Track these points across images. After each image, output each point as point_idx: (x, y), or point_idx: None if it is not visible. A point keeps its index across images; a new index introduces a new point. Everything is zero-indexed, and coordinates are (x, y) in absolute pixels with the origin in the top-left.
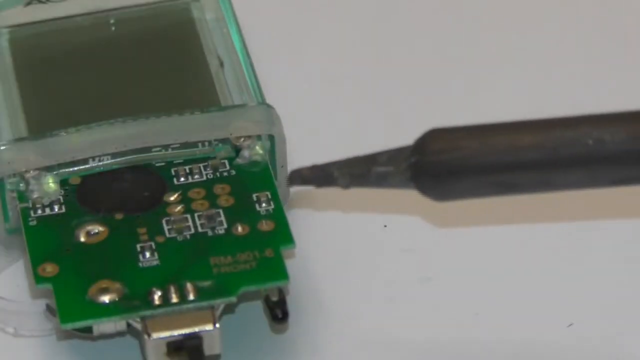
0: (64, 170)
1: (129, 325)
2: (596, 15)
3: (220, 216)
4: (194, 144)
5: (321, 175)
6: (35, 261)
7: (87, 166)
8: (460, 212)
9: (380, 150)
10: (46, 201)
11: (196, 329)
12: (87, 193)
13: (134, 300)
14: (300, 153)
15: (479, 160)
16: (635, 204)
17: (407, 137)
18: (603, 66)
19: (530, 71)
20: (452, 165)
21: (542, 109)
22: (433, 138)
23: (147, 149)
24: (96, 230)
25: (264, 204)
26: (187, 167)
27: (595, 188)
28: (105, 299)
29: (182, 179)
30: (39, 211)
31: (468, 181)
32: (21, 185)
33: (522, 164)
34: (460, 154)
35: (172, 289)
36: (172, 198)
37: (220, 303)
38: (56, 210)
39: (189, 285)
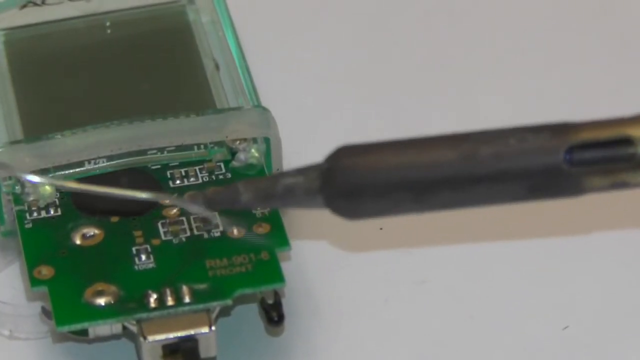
0: (59, 173)
1: (124, 327)
2: (594, 17)
3: (216, 219)
4: (189, 147)
5: (225, 194)
6: (31, 264)
7: (82, 169)
8: (457, 214)
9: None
10: (42, 204)
11: (192, 332)
12: (83, 196)
13: (129, 302)
14: (296, 155)
15: (391, 174)
16: (632, 208)
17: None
18: (598, 69)
19: (529, 72)
20: (363, 176)
21: (540, 110)
22: (345, 151)
23: (142, 152)
24: (92, 233)
25: None
26: (182, 170)
27: (513, 202)
28: (101, 301)
29: (178, 181)
30: (35, 214)
31: (379, 194)
32: (17, 187)
33: (435, 178)
34: (372, 167)
35: (168, 292)
36: (167, 201)
37: (216, 306)
38: (52, 213)
39: (184, 288)
